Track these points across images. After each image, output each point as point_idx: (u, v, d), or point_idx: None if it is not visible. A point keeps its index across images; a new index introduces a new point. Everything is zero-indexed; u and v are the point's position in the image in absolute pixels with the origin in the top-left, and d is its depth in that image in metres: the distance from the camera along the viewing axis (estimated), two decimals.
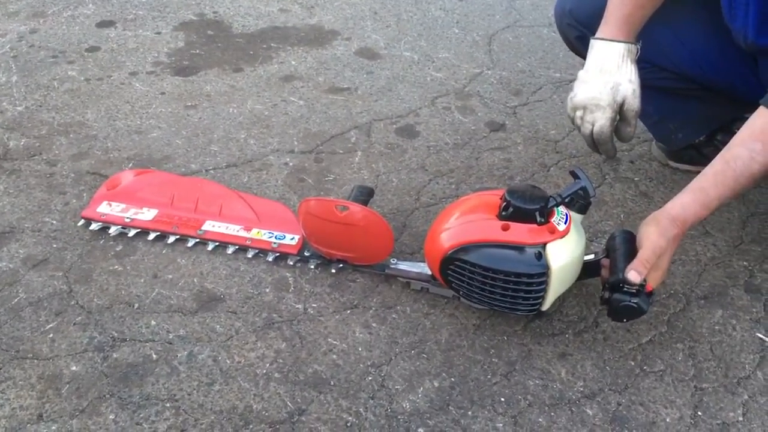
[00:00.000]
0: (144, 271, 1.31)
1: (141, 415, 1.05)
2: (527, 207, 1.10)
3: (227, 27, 2.29)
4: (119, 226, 1.39)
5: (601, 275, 1.16)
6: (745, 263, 1.38)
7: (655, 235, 1.09)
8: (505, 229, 1.11)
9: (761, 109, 1.14)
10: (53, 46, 2.12)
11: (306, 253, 1.33)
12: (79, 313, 1.22)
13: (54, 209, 1.46)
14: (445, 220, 1.17)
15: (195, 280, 1.30)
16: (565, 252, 1.11)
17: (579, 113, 1.36)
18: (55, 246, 1.36)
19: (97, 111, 1.82)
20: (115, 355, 1.15)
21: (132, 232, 1.38)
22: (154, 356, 1.15)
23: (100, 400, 1.07)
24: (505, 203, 1.11)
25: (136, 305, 1.24)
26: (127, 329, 1.19)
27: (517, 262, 1.10)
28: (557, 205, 1.12)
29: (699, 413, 1.09)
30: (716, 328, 1.24)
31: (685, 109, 1.53)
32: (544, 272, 1.10)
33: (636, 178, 1.62)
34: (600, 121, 1.33)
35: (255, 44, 2.19)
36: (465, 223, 1.15)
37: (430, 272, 1.23)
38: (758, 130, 1.13)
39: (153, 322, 1.21)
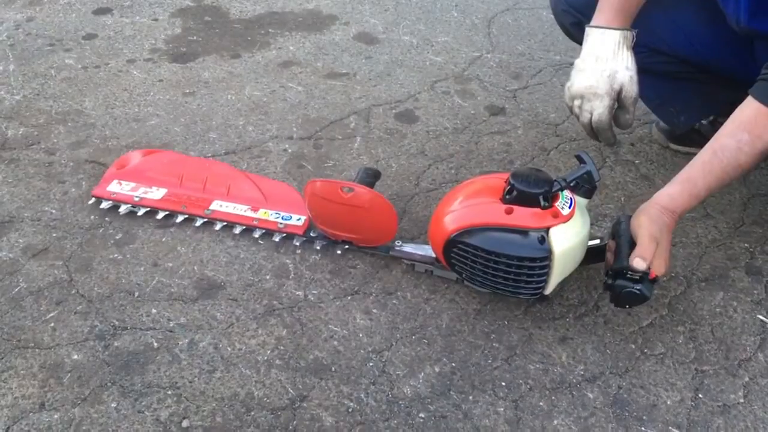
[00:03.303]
0: (144, 259, 1.31)
1: (143, 403, 1.06)
2: (531, 191, 1.09)
3: (224, 13, 2.28)
4: (129, 205, 1.40)
5: (606, 258, 1.16)
6: (746, 245, 1.38)
7: (647, 223, 1.09)
8: (509, 212, 1.10)
9: (749, 99, 1.13)
10: (50, 34, 2.11)
11: (312, 234, 1.34)
12: (79, 302, 1.22)
13: (53, 198, 1.46)
14: (450, 203, 1.17)
15: (195, 268, 1.29)
16: (568, 236, 1.10)
17: (577, 102, 1.35)
18: (54, 235, 1.36)
19: (95, 99, 1.81)
20: (116, 344, 1.15)
21: (141, 211, 1.39)
22: (155, 344, 1.15)
23: (102, 389, 1.08)
24: (509, 187, 1.11)
25: (137, 293, 1.24)
26: (128, 318, 1.19)
27: (520, 246, 1.10)
28: (562, 189, 1.12)
29: (700, 395, 1.09)
30: (717, 310, 1.24)
31: (684, 93, 1.52)
32: (547, 256, 1.09)
33: (637, 161, 1.61)
34: (598, 109, 1.32)
35: (253, 30, 2.18)
36: (469, 206, 1.15)
37: (434, 255, 1.23)
38: (746, 121, 1.12)
39: (154, 311, 1.21)
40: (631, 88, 1.30)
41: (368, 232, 1.28)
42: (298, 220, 1.35)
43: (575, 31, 1.47)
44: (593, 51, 1.30)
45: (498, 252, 1.10)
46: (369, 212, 1.24)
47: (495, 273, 1.12)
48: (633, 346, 1.17)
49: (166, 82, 1.89)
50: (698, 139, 1.55)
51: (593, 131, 1.37)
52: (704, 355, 1.15)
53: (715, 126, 1.53)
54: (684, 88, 1.49)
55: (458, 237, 1.13)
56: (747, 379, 1.12)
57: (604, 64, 1.29)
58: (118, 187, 1.43)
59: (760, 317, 1.22)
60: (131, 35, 2.13)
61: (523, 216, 1.10)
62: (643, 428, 1.04)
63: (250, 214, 1.37)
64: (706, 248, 1.37)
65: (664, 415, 1.06)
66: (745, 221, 1.43)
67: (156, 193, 1.41)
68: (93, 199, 1.43)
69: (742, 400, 1.09)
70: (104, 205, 1.41)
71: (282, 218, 1.36)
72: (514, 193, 1.10)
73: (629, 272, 1.07)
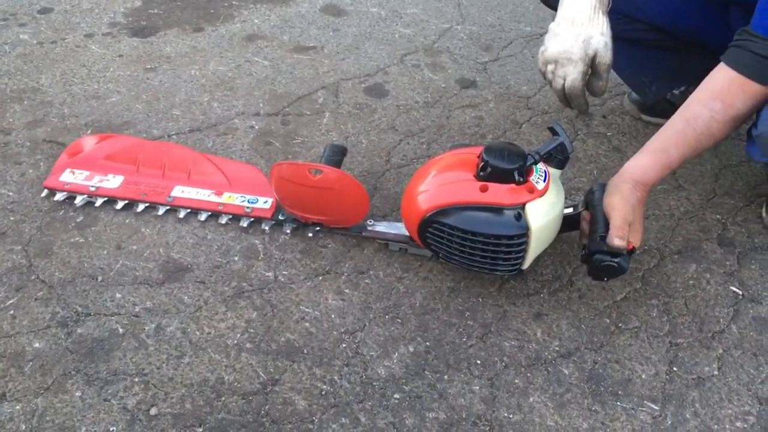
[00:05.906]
0: (107, 242, 1.27)
1: (109, 391, 1.02)
2: (506, 167, 1.07)
3: None
4: (85, 196, 1.33)
5: (581, 227, 1.15)
6: (718, 216, 1.37)
7: (620, 204, 1.08)
8: (484, 190, 1.08)
9: (721, 66, 1.12)
10: (3, 9, 2.03)
11: (281, 217, 1.30)
12: (40, 288, 1.18)
13: (10, 180, 1.40)
14: (422, 181, 1.14)
15: (161, 251, 1.25)
16: (544, 210, 1.09)
17: (550, 67, 1.33)
18: (12, 219, 1.31)
19: (52, 76, 1.74)
20: (79, 331, 1.11)
21: (99, 202, 1.33)
22: (121, 330, 1.11)
23: (66, 377, 1.04)
24: (483, 163, 1.09)
25: (100, 278, 1.20)
26: (92, 303, 1.15)
27: (497, 224, 1.08)
28: (535, 163, 1.10)
29: (674, 368, 1.09)
30: (690, 282, 1.24)
31: (656, 62, 1.50)
32: (524, 233, 1.08)
33: (609, 133, 1.60)
34: (572, 75, 1.30)
35: (216, 2, 2.11)
36: (443, 184, 1.12)
37: (407, 233, 1.21)
38: (718, 89, 1.12)
39: (118, 295, 1.17)
40: (606, 55, 1.28)
41: (339, 213, 1.25)
42: (265, 203, 1.31)
43: None
44: (569, 14, 1.28)
45: (474, 231, 1.08)
46: (339, 194, 1.20)
47: (472, 251, 1.11)
48: (607, 321, 1.16)
49: (127, 58, 1.83)
50: (670, 110, 1.52)
51: (566, 97, 1.35)
52: (678, 328, 1.15)
53: (687, 97, 1.52)
54: (656, 56, 1.48)
55: (433, 217, 1.11)
56: (721, 351, 1.12)
57: (580, 28, 1.27)
58: (71, 177, 1.35)
59: (733, 288, 1.23)
60: (89, 9, 2.05)
61: (499, 193, 1.08)
62: (618, 403, 1.04)
63: (214, 199, 1.32)
64: (678, 220, 1.36)
65: (640, 389, 1.06)
66: (716, 192, 1.43)
67: (113, 182, 1.34)
68: (45, 191, 1.35)
69: (716, 372, 1.09)
70: (58, 197, 1.34)
71: (248, 202, 1.31)
72: (489, 169, 1.08)
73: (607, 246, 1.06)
